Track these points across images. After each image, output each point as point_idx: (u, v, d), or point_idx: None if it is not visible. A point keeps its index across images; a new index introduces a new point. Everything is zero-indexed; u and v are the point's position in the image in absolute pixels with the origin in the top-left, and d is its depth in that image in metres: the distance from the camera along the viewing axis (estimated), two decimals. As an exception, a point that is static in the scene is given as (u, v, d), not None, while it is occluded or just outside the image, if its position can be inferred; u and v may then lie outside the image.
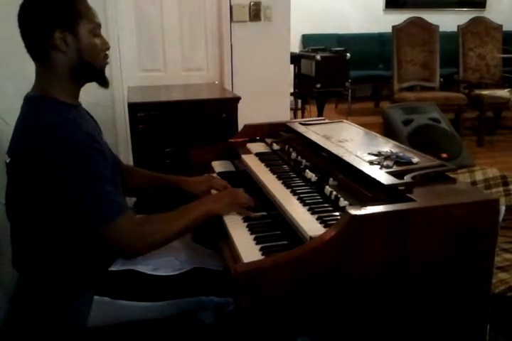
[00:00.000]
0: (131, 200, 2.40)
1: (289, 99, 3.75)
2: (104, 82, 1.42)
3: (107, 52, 1.40)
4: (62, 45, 1.29)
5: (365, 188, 1.34)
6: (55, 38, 1.28)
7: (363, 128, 1.98)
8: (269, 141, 2.02)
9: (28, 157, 1.24)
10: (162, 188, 1.74)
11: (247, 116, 2.45)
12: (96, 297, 1.30)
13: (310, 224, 1.24)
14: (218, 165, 2.03)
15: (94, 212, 1.23)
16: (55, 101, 1.31)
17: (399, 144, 1.68)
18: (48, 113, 1.28)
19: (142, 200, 2.33)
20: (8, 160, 1.31)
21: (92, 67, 1.36)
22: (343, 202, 1.32)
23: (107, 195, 1.25)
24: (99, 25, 1.37)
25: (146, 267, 1.36)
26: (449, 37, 5.60)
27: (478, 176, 2.59)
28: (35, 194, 1.25)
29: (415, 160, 1.46)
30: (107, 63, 1.42)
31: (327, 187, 1.42)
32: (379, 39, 6.64)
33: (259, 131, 2.11)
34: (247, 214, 1.46)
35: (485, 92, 4.89)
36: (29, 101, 1.33)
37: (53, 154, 1.21)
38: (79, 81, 1.38)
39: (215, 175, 1.90)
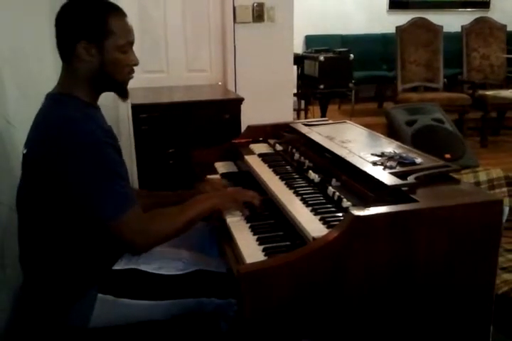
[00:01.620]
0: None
1: (292, 100, 3.75)
2: (123, 94, 1.45)
3: (134, 68, 1.42)
4: (85, 54, 1.32)
5: (368, 189, 1.33)
6: (79, 47, 1.31)
7: (366, 128, 1.98)
8: (272, 141, 2.02)
9: (45, 147, 1.26)
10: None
11: (250, 117, 2.45)
12: (99, 295, 1.31)
13: (313, 225, 1.24)
14: (221, 166, 2.03)
15: (105, 203, 1.24)
16: (77, 99, 1.34)
17: (402, 145, 1.68)
18: (69, 107, 1.31)
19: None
20: (24, 151, 1.33)
21: (113, 79, 1.38)
22: (346, 203, 1.32)
23: (119, 187, 1.27)
24: (130, 43, 1.39)
25: (149, 266, 1.37)
26: (452, 37, 5.58)
27: (482, 177, 2.58)
28: (49, 185, 1.26)
29: (419, 160, 1.46)
30: (131, 78, 1.43)
31: (330, 187, 1.42)
32: (382, 40, 6.62)
33: (263, 132, 2.11)
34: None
35: (489, 93, 4.87)
36: (51, 97, 1.36)
37: (69, 145, 1.23)
38: (98, 89, 1.41)
39: (213, 176, 1.92)
